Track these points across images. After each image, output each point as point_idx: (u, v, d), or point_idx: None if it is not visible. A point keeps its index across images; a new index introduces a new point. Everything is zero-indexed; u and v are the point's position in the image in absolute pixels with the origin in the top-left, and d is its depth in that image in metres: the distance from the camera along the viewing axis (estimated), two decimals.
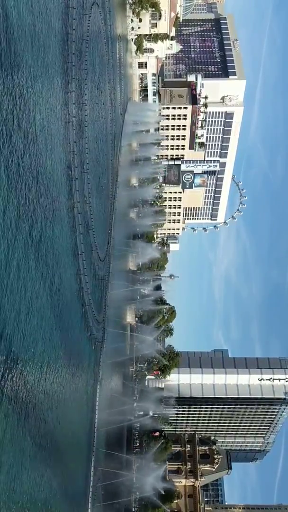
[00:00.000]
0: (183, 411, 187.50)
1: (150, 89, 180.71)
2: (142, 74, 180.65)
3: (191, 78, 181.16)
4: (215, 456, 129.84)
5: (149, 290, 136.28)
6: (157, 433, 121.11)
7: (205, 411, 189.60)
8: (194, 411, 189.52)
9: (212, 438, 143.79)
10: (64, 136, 50.51)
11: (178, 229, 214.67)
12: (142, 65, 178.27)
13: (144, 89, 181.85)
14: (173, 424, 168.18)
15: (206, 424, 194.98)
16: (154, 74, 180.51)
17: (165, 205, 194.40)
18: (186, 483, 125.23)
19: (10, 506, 31.30)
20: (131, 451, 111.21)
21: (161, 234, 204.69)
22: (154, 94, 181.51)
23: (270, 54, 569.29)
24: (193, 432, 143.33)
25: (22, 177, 34.25)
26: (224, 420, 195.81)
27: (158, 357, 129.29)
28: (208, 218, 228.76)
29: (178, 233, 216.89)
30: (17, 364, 32.59)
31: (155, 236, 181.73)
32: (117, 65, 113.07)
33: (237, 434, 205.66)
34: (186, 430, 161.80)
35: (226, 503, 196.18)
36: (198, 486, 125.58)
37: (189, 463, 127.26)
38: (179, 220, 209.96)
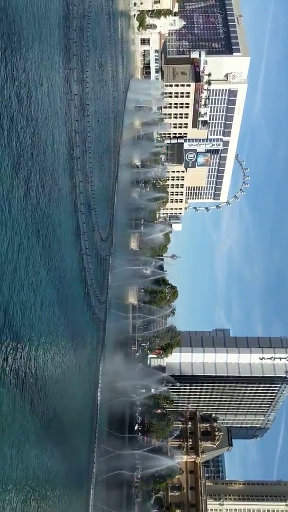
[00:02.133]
0: (184, 389, 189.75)
1: (153, 66, 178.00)
2: (144, 50, 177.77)
3: (194, 54, 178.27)
4: (216, 433, 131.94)
5: (151, 270, 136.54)
6: (159, 411, 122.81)
7: (207, 389, 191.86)
8: (195, 389, 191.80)
9: (213, 415, 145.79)
10: (65, 114, 49.98)
11: (181, 209, 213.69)
12: (144, 41, 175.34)
13: (147, 66, 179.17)
14: (175, 401, 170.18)
15: (207, 402, 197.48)
16: (156, 51, 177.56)
17: (168, 185, 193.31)
18: (187, 459, 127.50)
19: (13, 482, 31.92)
20: (133, 428, 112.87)
21: (163, 214, 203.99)
22: (156, 71, 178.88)
23: (275, 30, 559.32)
24: (194, 409, 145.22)
25: (23, 156, 34.01)
26: (225, 398, 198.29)
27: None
28: (211, 198, 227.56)
29: (180, 213, 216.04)
30: (20, 343, 32.87)
31: (157, 216, 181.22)
32: (119, 42, 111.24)
33: (238, 411, 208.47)
34: (187, 408, 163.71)
35: (227, 479, 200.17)
36: (199, 462, 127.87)
37: (190, 440, 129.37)
38: (181, 199, 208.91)
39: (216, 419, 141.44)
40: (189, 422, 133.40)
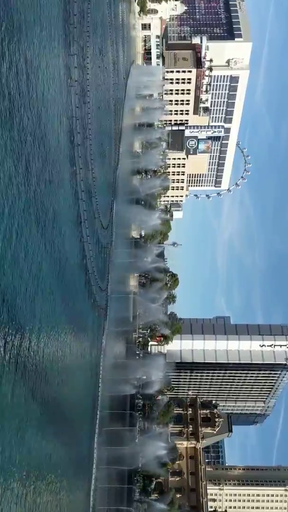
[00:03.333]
0: (185, 375, 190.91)
1: (154, 52, 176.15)
2: (145, 36, 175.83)
3: (195, 40, 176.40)
4: (216, 419, 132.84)
5: (152, 258, 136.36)
6: (159, 397, 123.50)
7: (207, 376, 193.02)
8: (196, 376, 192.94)
9: (214, 402, 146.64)
10: (66, 100, 49.57)
11: (182, 196, 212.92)
12: (145, 26, 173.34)
13: (148, 52, 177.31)
14: (176, 388, 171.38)
15: (208, 388, 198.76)
16: (157, 36, 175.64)
17: (169, 172, 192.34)
18: (187, 445, 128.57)
19: (14, 468, 32.19)
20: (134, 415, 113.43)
21: (164, 201, 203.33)
22: (158, 57, 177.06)
23: (277, 16, 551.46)
24: (195, 396, 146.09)
25: (23, 142, 33.78)
26: (226, 384, 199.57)
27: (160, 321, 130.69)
28: (212, 185, 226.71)
29: (181, 201, 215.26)
30: (21, 330, 32.95)
31: (158, 203, 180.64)
32: (119, 27, 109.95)
33: (238, 398, 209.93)
34: (188, 394, 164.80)
35: (227, 464, 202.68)
36: (199, 448, 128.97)
37: (190, 426, 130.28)
38: (182, 187, 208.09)
39: (216, 405, 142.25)
40: (190, 409, 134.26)
